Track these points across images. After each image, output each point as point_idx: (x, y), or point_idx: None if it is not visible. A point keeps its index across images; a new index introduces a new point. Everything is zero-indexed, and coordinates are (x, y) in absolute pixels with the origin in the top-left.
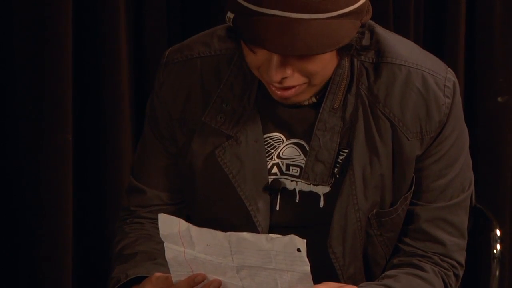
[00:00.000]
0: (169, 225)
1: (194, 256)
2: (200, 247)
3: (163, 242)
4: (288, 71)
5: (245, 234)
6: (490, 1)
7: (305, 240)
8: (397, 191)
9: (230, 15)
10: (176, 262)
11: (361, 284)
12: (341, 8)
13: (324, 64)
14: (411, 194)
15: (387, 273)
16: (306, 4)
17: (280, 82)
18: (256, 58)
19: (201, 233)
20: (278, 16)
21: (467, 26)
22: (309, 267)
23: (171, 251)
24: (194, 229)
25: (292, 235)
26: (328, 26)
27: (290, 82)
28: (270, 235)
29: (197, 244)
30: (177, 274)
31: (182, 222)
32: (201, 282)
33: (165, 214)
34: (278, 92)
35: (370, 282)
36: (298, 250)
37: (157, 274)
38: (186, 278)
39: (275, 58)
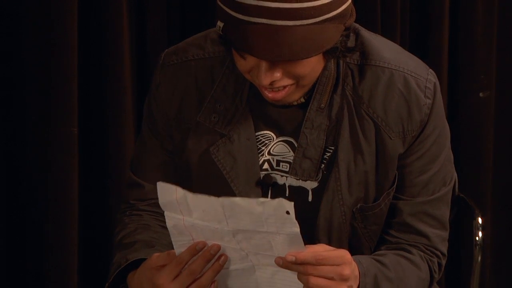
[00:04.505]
0: (167, 192)
1: (192, 223)
2: (197, 213)
3: (160, 232)
4: (277, 75)
5: (237, 199)
6: (472, 3)
7: (292, 203)
8: (380, 187)
9: (220, 24)
10: (177, 231)
11: (353, 256)
12: (324, 14)
13: (312, 67)
14: (394, 190)
15: (377, 252)
16: (290, 12)
17: (271, 84)
18: (246, 63)
19: (197, 199)
20: (264, 24)
21: (450, 26)
22: (298, 229)
23: (171, 219)
24: (190, 195)
25: (281, 198)
26: (312, 31)
27: (280, 83)
28: (260, 199)
29: (194, 210)
30: (179, 244)
31: (179, 189)
32: (202, 249)
33: (163, 182)
34: (270, 95)
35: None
36: (287, 212)
37: (156, 253)
38: (188, 248)
39: (264, 64)
